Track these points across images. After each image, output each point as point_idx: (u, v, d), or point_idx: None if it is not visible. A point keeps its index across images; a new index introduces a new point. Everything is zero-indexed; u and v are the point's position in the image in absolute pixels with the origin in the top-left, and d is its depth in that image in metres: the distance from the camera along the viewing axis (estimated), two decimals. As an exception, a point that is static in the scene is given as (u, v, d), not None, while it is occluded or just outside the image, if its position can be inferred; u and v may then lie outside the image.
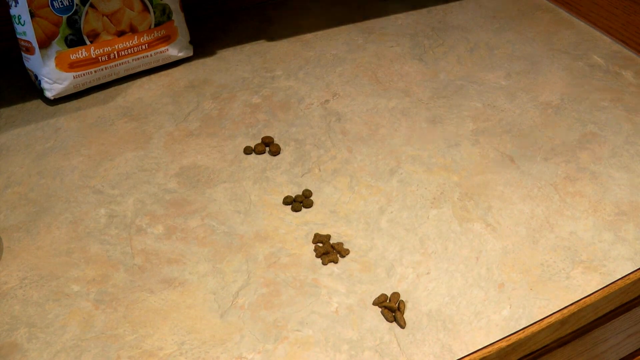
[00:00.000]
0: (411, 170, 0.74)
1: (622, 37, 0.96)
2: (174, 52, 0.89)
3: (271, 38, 0.97)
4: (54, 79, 0.80)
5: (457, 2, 1.08)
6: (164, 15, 0.86)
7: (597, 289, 0.62)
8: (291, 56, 0.93)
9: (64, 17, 0.78)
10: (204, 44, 0.94)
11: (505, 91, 0.87)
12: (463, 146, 0.78)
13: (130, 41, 0.84)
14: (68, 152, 0.76)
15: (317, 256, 0.64)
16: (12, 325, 0.57)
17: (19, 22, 0.77)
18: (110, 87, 0.86)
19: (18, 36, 0.79)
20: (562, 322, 0.61)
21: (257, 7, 1.05)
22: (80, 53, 0.81)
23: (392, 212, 0.69)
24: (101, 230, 0.66)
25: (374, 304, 0.60)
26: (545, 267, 0.64)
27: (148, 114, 0.81)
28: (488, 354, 0.57)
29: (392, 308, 0.59)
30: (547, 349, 0.66)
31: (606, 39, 0.98)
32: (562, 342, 0.67)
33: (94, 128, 0.80)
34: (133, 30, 0.84)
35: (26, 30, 0.77)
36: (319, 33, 0.99)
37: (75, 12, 0.79)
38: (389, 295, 0.60)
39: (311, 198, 0.70)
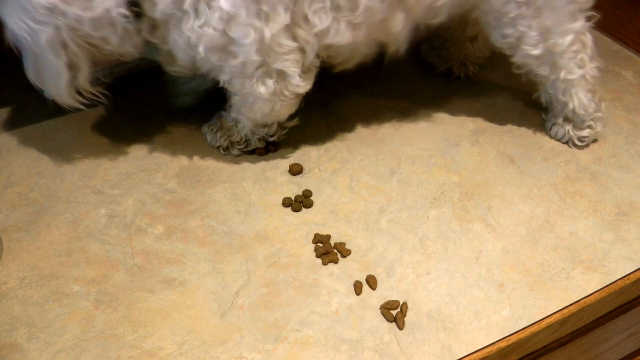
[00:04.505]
0: (411, 170, 0.74)
1: (622, 37, 0.96)
2: (174, 52, 0.89)
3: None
4: (54, 79, 0.80)
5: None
6: (164, 15, 0.86)
7: (597, 289, 0.62)
8: (291, 56, 0.93)
9: (64, 17, 0.78)
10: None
11: (506, 91, 0.87)
12: (463, 146, 0.78)
13: (130, 41, 0.84)
14: (68, 152, 0.76)
15: (317, 256, 0.64)
16: (12, 325, 0.57)
17: (19, 22, 0.77)
18: (111, 87, 0.85)
19: (18, 36, 0.79)
20: (562, 322, 0.61)
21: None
22: (80, 53, 0.80)
23: (392, 212, 0.69)
24: (101, 230, 0.66)
25: (381, 307, 0.60)
26: (545, 267, 0.64)
27: (148, 114, 0.81)
28: (488, 354, 0.57)
29: (393, 309, 0.59)
30: (547, 349, 0.66)
31: (606, 39, 0.98)
32: (562, 342, 0.67)
33: (94, 128, 0.80)
34: (133, 30, 0.84)
35: (26, 30, 0.77)
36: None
37: (75, 12, 0.79)
38: (400, 303, 0.60)
39: (311, 198, 0.70)
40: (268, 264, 0.63)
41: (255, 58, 0.63)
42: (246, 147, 0.75)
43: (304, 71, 0.66)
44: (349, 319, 0.59)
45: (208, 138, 0.76)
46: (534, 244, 0.66)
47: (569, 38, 0.70)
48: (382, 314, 0.59)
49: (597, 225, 0.68)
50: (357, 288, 0.61)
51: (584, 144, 0.78)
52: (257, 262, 0.64)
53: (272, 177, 0.73)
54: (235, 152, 0.75)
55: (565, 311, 0.60)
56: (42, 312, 0.59)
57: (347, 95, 0.86)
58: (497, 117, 0.83)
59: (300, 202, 0.69)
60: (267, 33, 0.61)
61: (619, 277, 0.63)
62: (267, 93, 0.66)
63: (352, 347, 0.56)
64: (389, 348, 0.56)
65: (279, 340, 0.57)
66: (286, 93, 0.67)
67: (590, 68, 0.74)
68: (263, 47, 0.62)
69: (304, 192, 0.71)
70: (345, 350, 0.56)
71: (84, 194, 0.71)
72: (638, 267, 0.64)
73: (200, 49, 0.62)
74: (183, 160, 0.75)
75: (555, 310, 0.60)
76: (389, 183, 0.73)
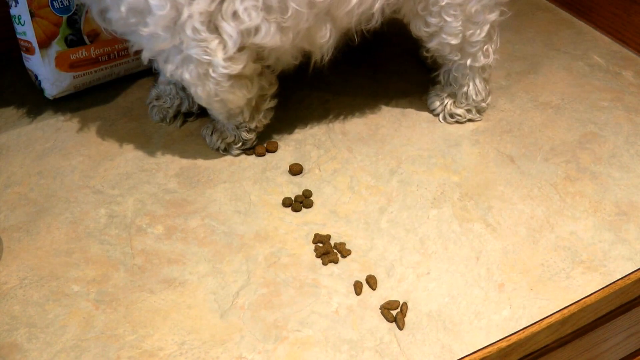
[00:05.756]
0: (411, 170, 0.74)
1: (622, 37, 0.96)
2: (173, 52, 0.89)
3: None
4: (54, 79, 0.80)
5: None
6: (164, 15, 0.86)
7: (597, 289, 0.62)
8: (291, 56, 0.93)
9: (64, 17, 0.78)
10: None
11: (505, 91, 0.87)
12: (463, 146, 0.78)
13: (130, 41, 0.84)
14: (68, 152, 0.76)
15: (317, 256, 0.64)
16: (12, 326, 0.57)
17: (19, 22, 0.77)
18: (110, 87, 0.86)
19: (18, 36, 0.79)
20: (562, 322, 0.61)
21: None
22: (80, 53, 0.80)
23: (392, 212, 0.69)
24: (101, 230, 0.66)
25: (381, 307, 0.60)
26: (545, 267, 0.64)
27: (148, 114, 0.81)
28: (488, 354, 0.57)
29: (393, 309, 0.59)
30: (547, 349, 0.66)
31: (606, 39, 0.98)
32: (562, 342, 0.67)
33: (94, 128, 0.80)
34: (133, 30, 0.84)
35: (26, 30, 0.77)
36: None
37: (75, 12, 0.79)
38: (400, 303, 0.60)
39: (311, 198, 0.70)
40: (268, 264, 0.63)
41: (161, 33, 0.61)
42: (243, 145, 0.75)
43: (230, 56, 0.64)
44: (349, 319, 0.59)
45: (207, 141, 0.76)
46: (534, 244, 0.66)
47: (486, 28, 0.74)
48: (382, 314, 0.59)
49: (597, 225, 0.68)
50: (357, 288, 0.61)
51: (453, 120, 0.81)
52: (257, 262, 0.64)
53: (272, 177, 0.73)
54: (234, 152, 0.75)
55: (565, 311, 0.60)
56: (42, 312, 0.59)
57: (347, 95, 0.86)
58: (497, 117, 0.83)
59: (300, 202, 0.69)
60: (186, 13, 0.60)
61: (619, 277, 0.63)
62: (192, 78, 0.65)
63: (352, 347, 0.56)
64: (389, 348, 0.56)
65: (279, 340, 0.57)
66: (213, 75, 0.65)
67: (492, 59, 0.78)
68: (175, 26, 0.61)
69: (304, 192, 0.71)
70: (345, 351, 0.56)
71: (84, 194, 0.71)
72: (638, 267, 0.64)
73: (123, 8, 0.60)
74: (183, 160, 0.75)
75: (555, 310, 0.60)
76: (389, 183, 0.73)
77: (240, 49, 0.64)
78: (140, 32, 0.62)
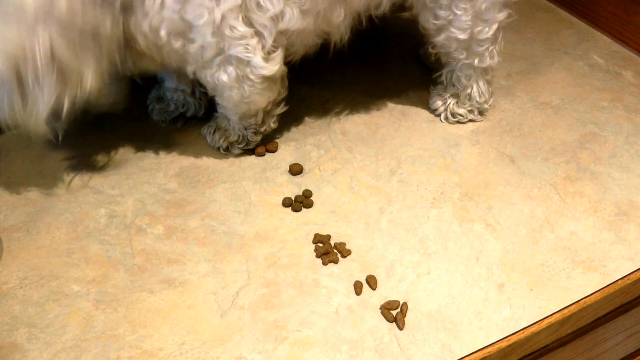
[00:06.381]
0: (411, 170, 0.74)
1: (622, 37, 0.96)
2: (174, 52, 0.89)
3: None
4: (54, 79, 0.80)
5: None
6: (164, 15, 0.86)
7: (597, 289, 0.62)
8: (291, 56, 0.93)
9: (64, 17, 0.78)
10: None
11: (505, 91, 0.87)
12: (463, 146, 0.78)
13: (130, 41, 0.84)
14: (68, 152, 0.76)
15: (317, 256, 0.64)
16: (12, 326, 0.57)
17: (19, 22, 0.77)
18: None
19: (18, 36, 0.79)
20: (562, 322, 0.61)
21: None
22: (80, 53, 0.80)
23: (392, 212, 0.69)
24: (101, 230, 0.66)
25: (381, 307, 0.60)
26: (545, 267, 0.64)
27: (148, 114, 0.81)
28: (488, 354, 0.57)
29: (393, 309, 0.59)
30: (547, 349, 0.66)
31: (606, 39, 0.98)
32: (562, 342, 0.67)
33: (94, 128, 0.80)
34: (133, 30, 0.84)
35: (26, 30, 0.77)
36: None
37: (75, 12, 0.79)
38: (400, 303, 0.60)
39: (311, 198, 0.70)
40: (268, 264, 0.63)
41: (211, 39, 0.62)
42: (246, 145, 0.75)
43: (267, 53, 0.66)
44: (349, 319, 0.59)
45: (208, 140, 0.76)
46: (534, 244, 0.66)
47: (494, 27, 0.74)
48: (382, 314, 0.59)
49: (597, 225, 0.68)
50: (357, 288, 0.61)
51: (455, 119, 0.81)
52: (257, 262, 0.64)
53: (272, 177, 0.73)
54: (235, 151, 0.75)
55: (565, 311, 0.60)
56: (42, 312, 0.59)
57: (347, 95, 0.86)
58: (497, 117, 0.83)
59: (300, 202, 0.69)
60: (218, 14, 0.61)
61: (619, 277, 0.63)
62: (230, 80, 0.66)
63: (352, 347, 0.56)
64: (389, 348, 0.56)
65: (279, 340, 0.57)
66: (251, 77, 0.66)
67: (496, 61, 0.79)
68: (218, 30, 0.62)
69: (304, 192, 0.71)
70: (345, 351, 0.56)
71: (84, 194, 0.71)
72: (638, 267, 0.64)
73: (162, 33, 0.62)
74: (183, 160, 0.75)
75: (555, 310, 0.60)
76: (389, 183, 0.73)
77: (275, 46, 0.66)
78: (189, 50, 0.63)
